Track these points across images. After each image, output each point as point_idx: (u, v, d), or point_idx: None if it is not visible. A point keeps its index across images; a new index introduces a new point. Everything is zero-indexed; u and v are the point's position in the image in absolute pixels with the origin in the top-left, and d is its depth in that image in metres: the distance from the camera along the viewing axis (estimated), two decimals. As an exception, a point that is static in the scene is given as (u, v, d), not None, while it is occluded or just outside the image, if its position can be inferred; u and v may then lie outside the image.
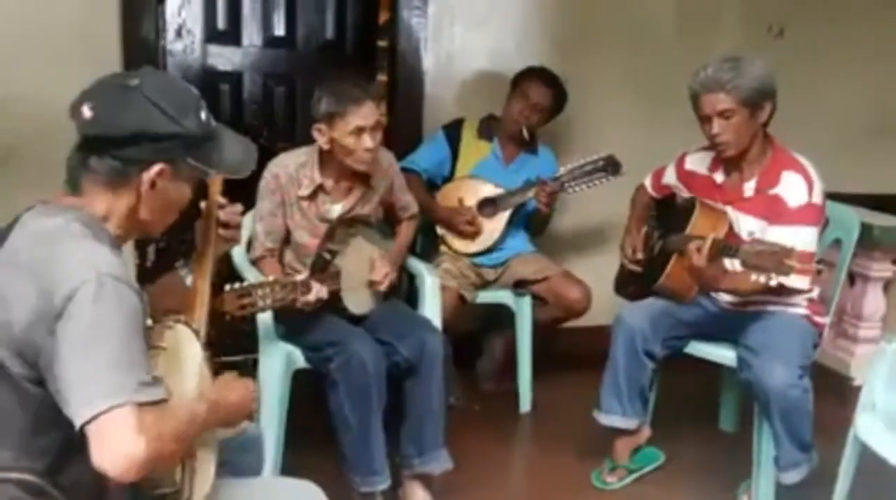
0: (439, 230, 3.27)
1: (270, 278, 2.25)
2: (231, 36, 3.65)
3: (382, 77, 3.79)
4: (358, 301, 2.58)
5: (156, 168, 1.42)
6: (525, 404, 3.34)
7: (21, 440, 1.33)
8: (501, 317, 3.38)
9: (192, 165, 1.47)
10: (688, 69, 2.53)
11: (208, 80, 3.57)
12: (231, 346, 2.54)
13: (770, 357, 2.38)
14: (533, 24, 3.66)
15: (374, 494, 2.44)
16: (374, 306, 2.63)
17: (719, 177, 2.65)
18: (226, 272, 2.41)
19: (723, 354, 2.67)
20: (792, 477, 2.46)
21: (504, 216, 3.22)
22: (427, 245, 3.30)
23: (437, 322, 2.72)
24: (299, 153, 2.64)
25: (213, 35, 3.62)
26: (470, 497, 2.66)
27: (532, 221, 3.34)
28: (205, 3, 3.59)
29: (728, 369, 2.69)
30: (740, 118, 2.46)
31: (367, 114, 2.47)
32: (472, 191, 3.23)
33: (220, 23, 3.62)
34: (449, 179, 3.30)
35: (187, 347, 1.50)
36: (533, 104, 3.21)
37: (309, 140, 2.60)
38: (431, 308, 2.80)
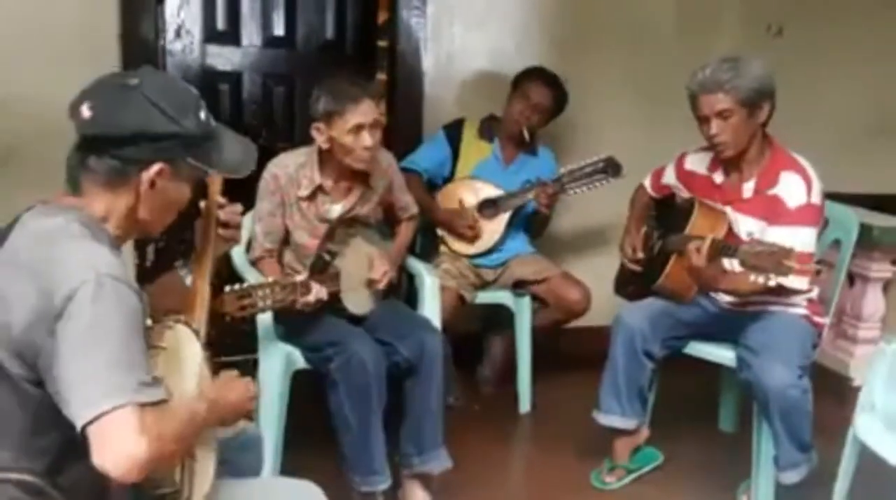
0: (439, 232, 3.27)
1: (270, 279, 2.26)
2: (230, 36, 3.65)
3: (382, 77, 3.79)
4: (358, 302, 2.58)
5: (155, 168, 1.42)
6: (524, 404, 3.34)
7: (20, 441, 1.33)
8: (501, 317, 3.39)
9: (191, 164, 1.47)
10: (688, 69, 2.53)
11: (207, 81, 3.57)
12: (231, 346, 2.53)
13: (769, 357, 2.39)
14: (532, 23, 3.66)
15: (375, 494, 2.44)
16: (373, 306, 2.63)
17: (718, 177, 2.66)
18: (225, 273, 2.41)
19: (722, 354, 2.67)
20: (791, 477, 2.46)
21: (504, 218, 3.22)
22: (426, 245, 3.30)
23: (436, 322, 2.72)
24: (298, 154, 2.65)
25: (212, 35, 3.62)
26: (469, 497, 2.66)
27: (532, 223, 3.35)
28: (204, 3, 3.59)
29: (727, 369, 2.69)
30: (739, 118, 2.46)
31: (365, 111, 2.47)
32: (473, 192, 3.24)
33: (220, 23, 3.62)
34: (449, 179, 3.30)
35: (187, 347, 1.50)
36: (534, 105, 3.21)
37: (308, 140, 2.60)
38: (431, 308, 2.80)
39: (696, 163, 2.74)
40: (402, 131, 3.58)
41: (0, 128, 2.99)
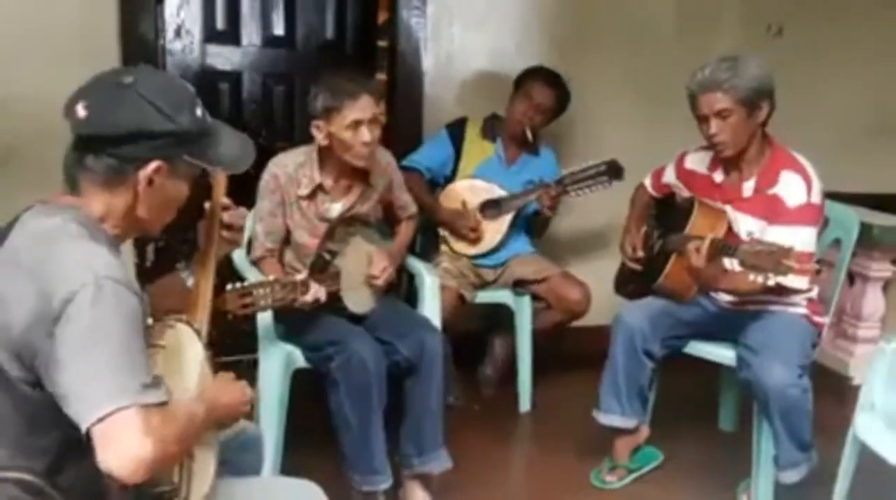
0: (441, 231, 3.27)
1: (271, 278, 2.26)
2: (230, 36, 3.65)
3: (382, 77, 3.79)
4: (358, 301, 2.58)
5: (152, 166, 1.41)
6: (525, 403, 3.34)
7: (17, 441, 1.33)
8: (501, 317, 3.39)
9: (188, 161, 1.46)
10: (688, 69, 2.53)
11: (207, 80, 3.57)
12: (231, 346, 2.54)
13: (769, 357, 2.39)
14: (532, 23, 3.66)
15: (376, 493, 2.44)
16: (374, 305, 2.63)
17: (718, 176, 2.66)
18: (227, 273, 2.41)
19: (722, 353, 2.67)
20: (791, 477, 2.46)
21: (507, 219, 3.22)
22: (426, 244, 3.30)
23: (436, 322, 2.72)
24: (298, 153, 2.65)
25: (212, 35, 3.62)
26: (469, 497, 2.66)
27: (533, 223, 3.35)
28: (204, 2, 3.59)
29: (727, 368, 2.69)
30: (738, 118, 2.46)
31: (363, 107, 2.47)
32: (475, 192, 3.23)
33: (220, 22, 3.62)
34: (451, 178, 3.30)
35: (188, 346, 1.50)
36: (536, 105, 3.21)
37: (308, 140, 2.60)
38: (431, 308, 2.80)
39: (697, 162, 2.74)
40: (402, 131, 3.58)
41: (0, 128, 2.99)
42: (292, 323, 2.53)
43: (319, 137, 2.53)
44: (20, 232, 1.38)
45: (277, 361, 2.55)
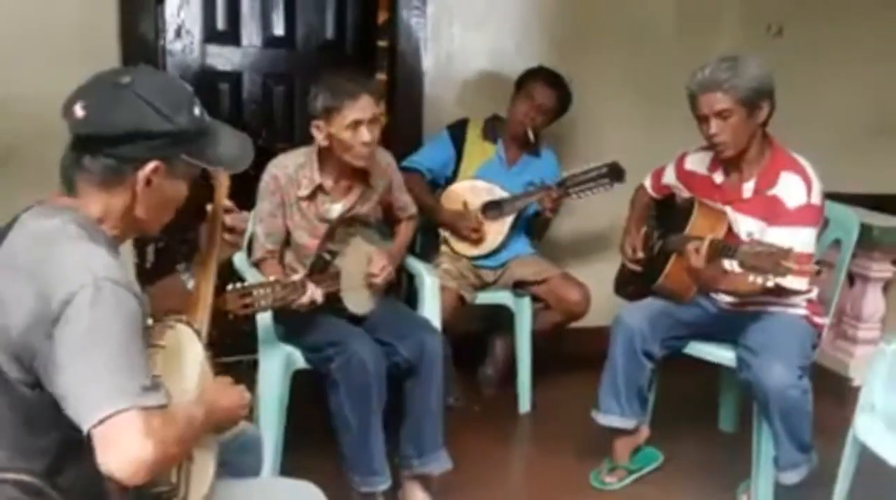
0: (442, 232, 3.27)
1: (272, 278, 2.26)
2: (230, 36, 3.65)
3: (382, 77, 3.79)
4: (358, 301, 2.58)
5: (150, 166, 1.41)
6: (524, 404, 3.34)
7: (16, 442, 1.33)
8: (501, 318, 3.38)
9: (186, 161, 1.46)
10: (688, 69, 2.53)
11: (207, 80, 3.57)
12: (231, 346, 2.54)
13: (769, 358, 2.38)
14: (532, 23, 3.66)
15: (375, 494, 2.44)
16: (373, 306, 2.63)
17: (718, 177, 2.65)
18: (227, 274, 2.41)
19: (722, 354, 2.67)
20: (791, 478, 2.46)
21: (508, 221, 3.22)
22: (426, 245, 3.30)
23: (436, 323, 2.72)
24: (298, 154, 2.64)
25: (212, 35, 3.62)
26: (469, 497, 2.66)
27: (534, 225, 3.35)
28: (204, 3, 3.59)
29: (727, 369, 2.69)
30: (738, 118, 2.46)
31: (363, 107, 2.47)
32: (477, 193, 3.23)
33: (220, 23, 3.62)
34: (452, 179, 3.29)
35: (189, 346, 1.50)
36: (538, 105, 3.21)
37: (308, 140, 2.60)
38: (431, 309, 2.80)
39: (697, 163, 2.74)
40: (402, 131, 3.58)
41: (0, 128, 2.98)
42: (292, 324, 2.53)
43: (319, 138, 2.53)
44: (19, 233, 1.37)
45: (277, 362, 2.55)
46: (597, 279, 3.21)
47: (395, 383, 2.50)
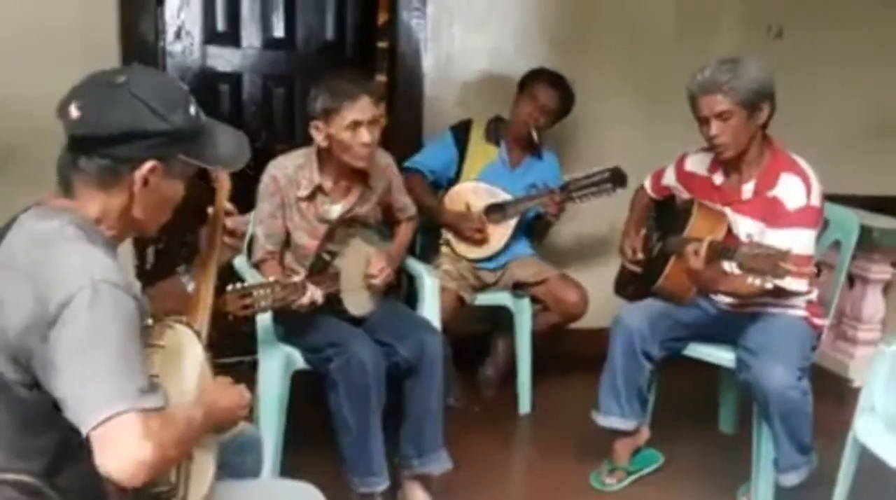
0: (444, 233, 3.26)
1: (271, 279, 2.26)
2: (230, 37, 3.65)
3: (382, 78, 3.79)
4: (357, 302, 2.58)
5: (147, 165, 1.40)
6: (524, 405, 3.34)
7: (14, 442, 1.33)
8: (501, 319, 3.38)
9: (183, 160, 1.45)
10: (688, 69, 2.53)
11: (207, 82, 3.58)
12: (230, 347, 2.54)
13: (769, 359, 2.38)
14: (532, 24, 3.66)
15: (373, 495, 2.44)
16: (373, 307, 2.63)
17: (718, 178, 2.65)
18: (226, 275, 2.41)
19: (722, 355, 2.67)
20: (791, 479, 2.46)
21: (511, 223, 3.22)
22: (427, 246, 3.30)
23: (436, 323, 2.72)
24: (298, 155, 2.64)
25: (212, 36, 3.62)
26: (469, 498, 2.66)
27: (535, 227, 3.35)
28: (204, 4, 3.59)
29: (727, 370, 2.68)
30: (738, 120, 2.46)
31: (362, 108, 2.47)
32: (479, 195, 3.23)
33: (220, 24, 3.63)
34: (454, 181, 3.29)
35: (188, 347, 1.50)
36: (541, 106, 3.20)
37: (308, 141, 2.60)
38: (431, 309, 2.80)
39: (697, 164, 2.73)
40: (402, 133, 3.58)
41: (0, 128, 2.98)
42: (292, 325, 2.53)
43: (319, 139, 2.53)
44: (17, 234, 1.37)
45: (277, 362, 2.55)
46: (596, 281, 3.21)
47: (395, 383, 2.50)
